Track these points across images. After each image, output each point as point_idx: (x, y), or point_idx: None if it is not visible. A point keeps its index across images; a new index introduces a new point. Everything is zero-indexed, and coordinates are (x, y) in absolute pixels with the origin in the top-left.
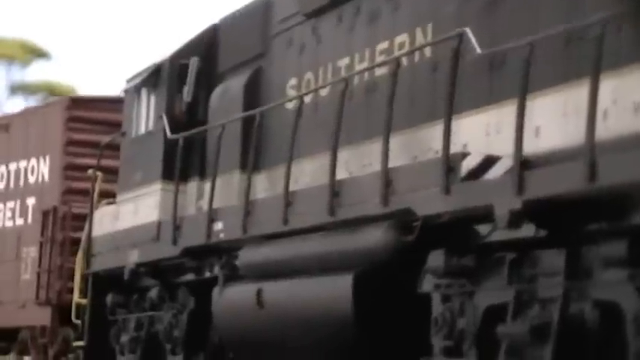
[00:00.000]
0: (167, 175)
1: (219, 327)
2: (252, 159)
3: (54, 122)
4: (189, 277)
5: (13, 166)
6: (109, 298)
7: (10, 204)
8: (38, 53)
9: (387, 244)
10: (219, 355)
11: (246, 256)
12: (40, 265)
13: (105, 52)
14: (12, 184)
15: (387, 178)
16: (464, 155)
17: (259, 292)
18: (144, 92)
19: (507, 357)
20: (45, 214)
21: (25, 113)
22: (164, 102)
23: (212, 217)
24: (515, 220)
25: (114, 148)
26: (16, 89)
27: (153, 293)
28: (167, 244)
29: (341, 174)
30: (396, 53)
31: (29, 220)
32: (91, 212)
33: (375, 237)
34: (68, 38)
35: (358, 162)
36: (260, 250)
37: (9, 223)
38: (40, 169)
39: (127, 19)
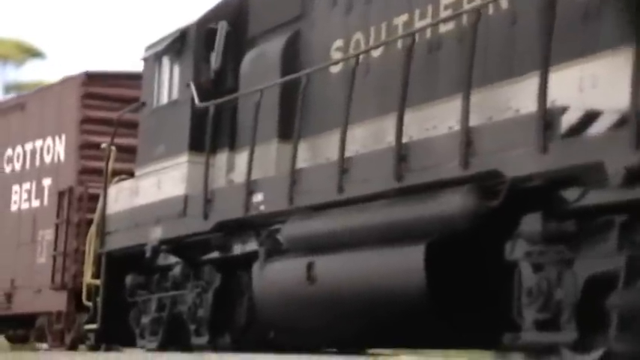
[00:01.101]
0: (195, 146)
1: (260, 304)
2: (298, 125)
3: (69, 99)
4: (217, 253)
5: (29, 146)
6: (129, 279)
7: (26, 185)
8: (32, 53)
9: (466, 209)
10: (247, 334)
11: (293, 229)
12: (55, 248)
13: (98, 51)
14: (28, 165)
15: (468, 138)
16: (564, 109)
17: (310, 267)
18: (166, 60)
19: (620, 330)
20: (60, 195)
21: (41, 91)
22: (191, 69)
23: (251, 188)
24: (632, 177)
25: (128, 125)
26: (11, 89)
27: (176, 271)
28: (197, 219)
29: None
30: (467, 5)
31: (45, 201)
32: (105, 188)
33: (452, 202)
34: (62, 38)
35: (419, 126)
36: (309, 221)
37: (25, 205)
38: (56, 148)
39: (119, 17)
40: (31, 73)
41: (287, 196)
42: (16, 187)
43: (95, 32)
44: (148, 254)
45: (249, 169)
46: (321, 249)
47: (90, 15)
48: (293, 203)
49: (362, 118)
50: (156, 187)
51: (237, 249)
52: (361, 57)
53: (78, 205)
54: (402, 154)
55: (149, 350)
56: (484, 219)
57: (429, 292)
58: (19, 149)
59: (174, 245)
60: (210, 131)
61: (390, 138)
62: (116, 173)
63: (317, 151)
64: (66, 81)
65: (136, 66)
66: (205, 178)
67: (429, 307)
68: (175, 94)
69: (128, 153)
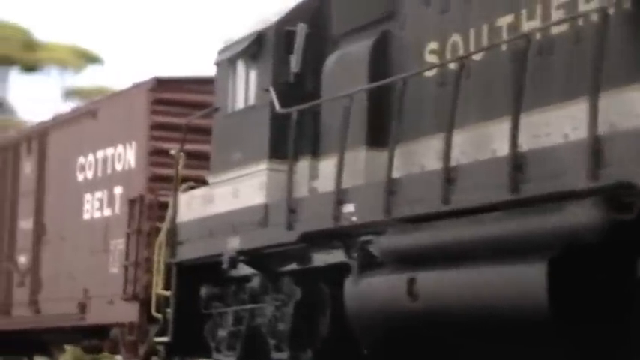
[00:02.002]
0: (275, 153)
1: (354, 320)
2: (395, 132)
3: (139, 106)
4: (299, 264)
5: (100, 154)
6: (204, 291)
7: (98, 194)
8: (91, 58)
9: (595, 222)
10: (330, 350)
11: (390, 241)
12: (126, 257)
13: (156, 57)
14: (100, 173)
15: (597, 147)
16: None
17: (411, 282)
18: (240, 64)
19: None
20: (131, 204)
21: (111, 98)
22: (269, 73)
23: (341, 198)
24: None
25: (198, 131)
26: (70, 94)
27: (254, 283)
28: (279, 229)
29: (504, 148)
30: (585, 5)
31: (117, 210)
32: (175, 196)
33: (578, 215)
34: (119, 43)
35: (529, 133)
36: (410, 234)
37: (97, 214)
38: (127, 155)
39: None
40: (90, 79)
41: (383, 206)
42: (88, 196)
43: (151, 37)
44: (225, 265)
45: (339, 178)
46: (423, 263)
47: (146, 20)
48: (390, 214)
49: (461, 124)
50: (232, 196)
51: (319, 260)
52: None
53: (148, 214)
54: (517, 163)
55: None
56: (614, 233)
57: (551, 310)
58: (90, 157)
59: (251, 256)
60: (293, 138)
61: (495, 146)
62: (186, 180)
63: (410, 159)
64: (135, 87)
65: (201, 70)
66: (289, 187)
67: (550, 326)
68: (252, 99)
69: (198, 159)
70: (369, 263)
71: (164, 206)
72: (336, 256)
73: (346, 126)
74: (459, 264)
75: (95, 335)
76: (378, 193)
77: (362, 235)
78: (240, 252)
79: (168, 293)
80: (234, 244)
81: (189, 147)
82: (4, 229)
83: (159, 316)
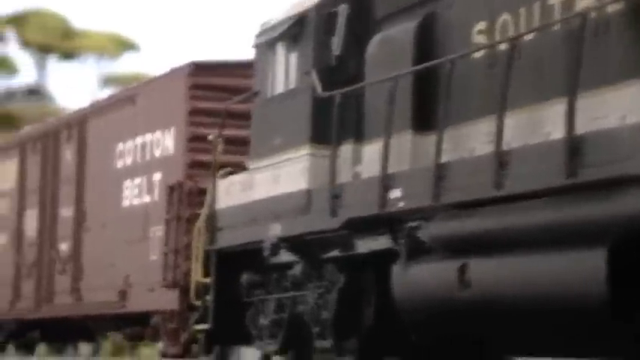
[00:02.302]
0: (316, 138)
1: (402, 308)
2: (443, 115)
3: (177, 91)
4: (343, 251)
5: (139, 140)
6: (245, 278)
7: (137, 180)
8: (127, 45)
9: None
10: (376, 339)
11: (440, 228)
12: (166, 244)
13: (192, 42)
14: (139, 159)
15: None
16: None
17: (463, 269)
18: (281, 47)
19: None
20: (170, 190)
21: (150, 83)
22: (311, 56)
23: (387, 183)
24: None
25: (237, 116)
26: (107, 82)
27: (296, 270)
28: (323, 216)
29: (557, 131)
30: None
31: (156, 196)
32: (213, 182)
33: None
34: (155, 29)
35: (584, 115)
36: (460, 219)
37: (136, 201)
38: (165, 141)
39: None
40: (127, 65)
41: (432, 192)
42: (127, 183)
43: (187, 22)
44: (266, 252)
45: (385, 163)
46: (475, 250)
47: (182, 5)
48: (439, 200)
49: (512, 106)
50: (273, 181)
51: (364, 247)
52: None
53: (188, 200)
54: (574, 147)
55: (269, 353)
56: None
57: (610, 300)
58: (129, 143)
59: (293, 243)
60: (336, 122)
61: (549, 129)
62: (224, 166)
63: (458, 143)
64: (173, 72)
65: (239, 54)
66: (332, 173)
67: (609, 315)
68: (292, 83)
69: (237, 145)
70: (417, 250)
71: (203, 192)
72: (382, 242)
73: (391, 109)
74: (512, 251)
75: (137, 323)
76: (426, 178)
77: (409, 221)
78: (282, 239)
79: (207, 280)
80: (275, 230)
81: (228, 132)
82: (45, 216)
83: (198, 303)
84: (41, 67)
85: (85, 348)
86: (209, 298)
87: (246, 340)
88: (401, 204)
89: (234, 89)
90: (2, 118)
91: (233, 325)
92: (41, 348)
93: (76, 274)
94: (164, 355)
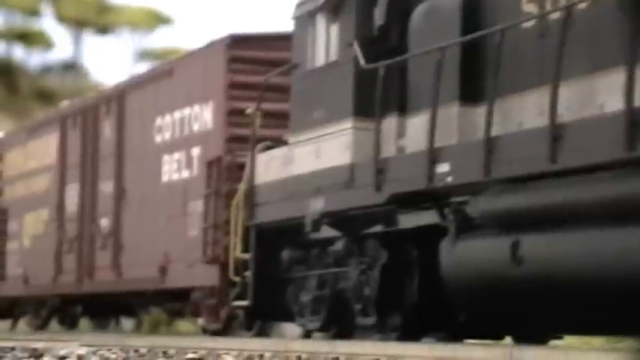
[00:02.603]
0: (360, 111)
1: (451, 285)
2: (493, 87)
3: (215, 64)
4: (386, 226)
5: (177, 114)
6: (285, 254)
7: (176, 155)
8: (161, 20)
9: None
10: (420, 316)
11: (490, 203)
12: (205, 220)
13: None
14: (177, 134)
15: None
16: None
17: (515, 246)
18: (321, 18)
19: None
20: (209, 165)
21: (187, 57)
22: (352, 27)
23: (434, 157)
24: None
25: (276, 89)
26: (142, 56)
27: (338, 246)
28: (367, 191)
29: (613, 102)
30: None
31: (195, 171)
32: (252, 156)
33: None
34: (190, 3)
35: None
36: (512, 194)
37: (175, 176)
38: (204, 115)
39: None
40: (161, 40)
41: (482, 166)
42: (166, 158)
43: None
44: (308, 228)
45: (432, 136)
46: (528, 226)
47: None
48: (490, 174)
49: (564, 77)
50: (314, 156)
51: (408, 222)
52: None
53: (227, 175)
54: (633, 119)
55: (311, 330)
56: None
57: None
58: (168, 118)
59: (335, 218)
60: (380, 94)
61: (602, 100)
62: (263, 140)
63: (506, 115)
64: (211, 45)
65: (277, 26)
66: (376, 146)
67: None
68: (334, 55)
69: (276, 118)
70: (466, 226)
71: (242, 167)
72: (427, 217)
73: (438, 81)
74: (568, 227)
75: (177, 298)
76: (475, 151)
77: (457, 196)
78: (324, 214)
79: (247, 256)
80: (317, 205)
81: (267, 106)
82: (86, 191)
83: (237, 279)
84: (77, 41)
85: (127, 323)
86: (248, 274)
87: (287, 316)
88: (449, 178)
89: (273, 62)
90: (38, 93)
91: (273, 302)
92: (84, 323)
93: (116, 250)
94: (204, 330)
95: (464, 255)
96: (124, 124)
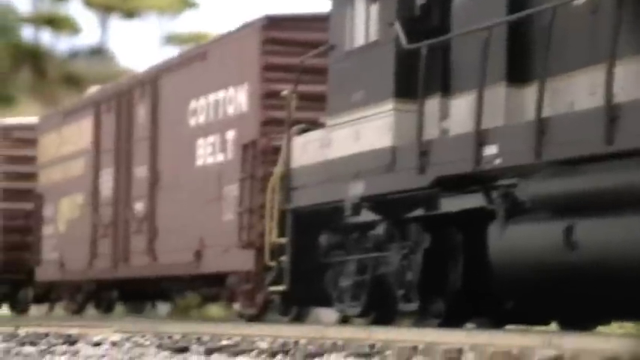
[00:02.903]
0: (401, 92)
1: (500, 270)
2: (544, 66)
3: (250, 46)
4: (428, 210)
5: (212, 97)
6: (323, 239)
7: (211, 139)
8: (188, 4)
9: None
10: (464, 302)
11: (542, 186)
12: (240, 204)
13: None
14: (212, 117)
15: None
16: None
17: (569, 231)
18: None
19: None
20: (244, 148)
21: (221, 39)
22: (393, 6)
23: (481, 139)
24: None
25: (312, 71)
26: (168, 40)
27: (379, 230)
28: (410, 174)
29: None
30: None
31: (229, 155)
32: (288, 139)
33: None
34: None
35: None
36: (565, 177)
37: (210, 160)
38: (239, 98)
39: None
40: (187, 24)
41: (533, 148)
42: (200, 141)
43: None
44: (348, 212)
45: (479, 118)
46: (583, 210)
47: None
48: (541, 157)
49: (619, 56)
50: (353, 139)
51: (451, 206)
52: None
53: (262, 159)
54: None
55: (350, 316)
56: None
57: None
58: (202, 101)
59: (376, 202)
60: (423, 75)
61: None
62: (298, 123)
63: (556, 96)
64: (246, 27)
65: (309, 7)
66: (419, 128)
67: None
68: (374, 35)
69: (313, 101)
70: (516, 210)
71: (278, 151)
72: (473, 201)
73: (485, 61)
74: (624, 211)
75: (213, 283)
76: (525, 133)
77: (505, 179)
78: (364, 198)
79: (283, 241)
80: (357, 190)
81: (303, 88)
82: (120, 176)
83: (272, 264)
84: (103, 26)
85: (162, 308)
86: (284, 258)
87: (324, 301)
88: (498, 161)
89: (309, 43)
90: (66, 78)
91: (310, 287)
92: (119, 308)
93: (151, 235)
94: (240, 315)
95: (514, 240)
96: (158, 108)
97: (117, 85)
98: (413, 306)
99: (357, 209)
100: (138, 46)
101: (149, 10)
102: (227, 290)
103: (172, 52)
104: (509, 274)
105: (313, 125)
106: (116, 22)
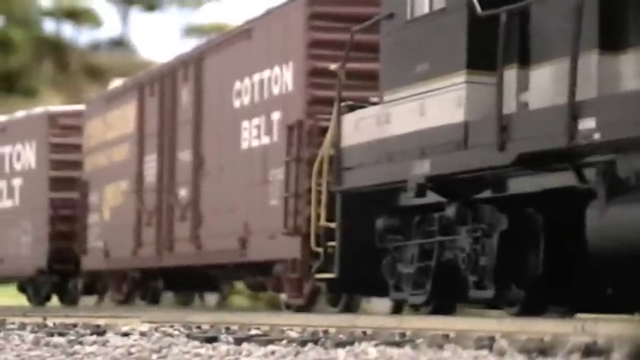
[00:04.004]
0: (474, 63)
1: (601, 255)
2: None
3: (295, 22)
4: (502, 191)
5: (256, 77)
6: (380, 222)
7: (256, 120)
8: None
9: None
10: (546, 289)
11: None
12: (286, 188)
13: None
14: (256, 98)
15: None
16: None
17: None
18: None
19: None
20: (290, 130)
21: (267, 15)
22: None
23: (575, 111)
24: None
25: (359, 47)
26: (189, 32)
27: (449, 212)
28: (487, 151)
29: None
30: None
31: (275, 137)
32: (338, 117)
33: None
34: None
35: None
36: None
37: (255, 142)
38: (284, 77)
39: None
40: (208, 16)
41: (637, 121)
42: (245, 123)
43: None
44: (412, 194)
45: (573, 89)
46: None
47: None
48: None
49: None
50: (417, 114)
51: (532, 185)
52: None
53: (308, 140)
54: None
55: (413, 305)
56: None
57: None
58: (247, 81)
59: (445, 182)
60: (503, 44)
61: None
62: (345, 101)
63: None
64: (290, 1)
65: None
66: (499, 101)
67: None
68: (440, 2)
69: (360, 79)
70: (618, 189)
71: (325, 131)
72: (562, 179)
73: (579, 27)
74: None
75: (259, 271)
76: (629, 104)
77: (602, 155)
78: (431, 177)
79: (332, 225)
80: (423, 169)
81: (350, 65)
82: (164, 161)
83: (319, 250)
84: (124, 18)
85: (211, 298)
86: (332, 244)
87: (376, 290)
88: (596, 135)
89: (356, 18)
90: (88, 70)
91: (361, 274)
92: (166, 298)
93: (195, 221)
94: (288, 306)
95: (619, 223)
96: (202, 90)
97: (160, 67)
98: (488, 293)
99: (422, 190)
100: (159, 38)
101: (170, 2)
102: (273, 279)
103: (193, 43)
104: (611, 258)
105: (361, 104)
106: (137, 14)
